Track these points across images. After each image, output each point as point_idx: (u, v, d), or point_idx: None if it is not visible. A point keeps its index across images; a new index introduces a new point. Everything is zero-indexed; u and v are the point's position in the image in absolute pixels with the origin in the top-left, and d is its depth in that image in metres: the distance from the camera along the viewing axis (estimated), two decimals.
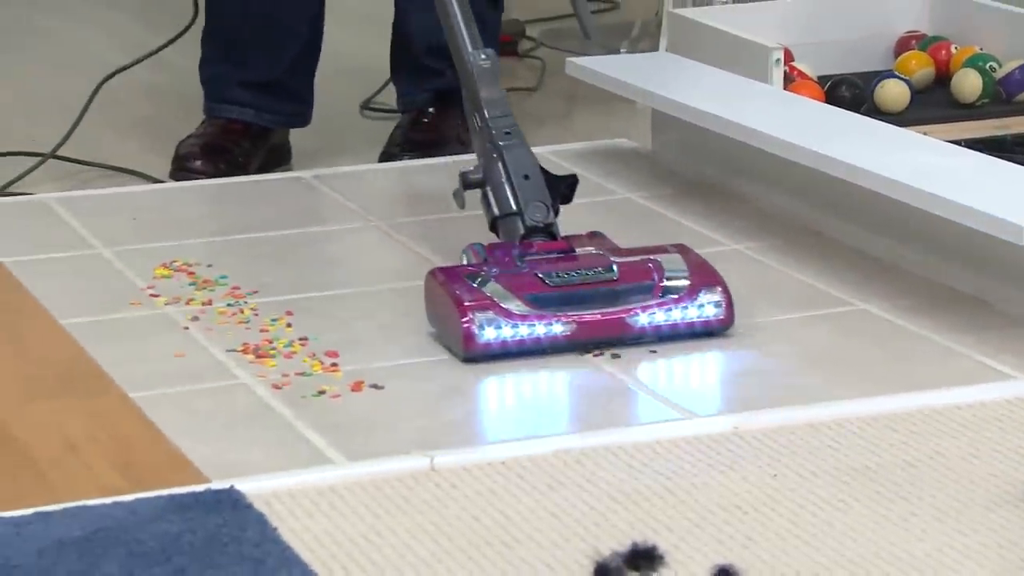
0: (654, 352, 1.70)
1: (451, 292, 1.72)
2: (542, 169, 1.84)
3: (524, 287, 1.72)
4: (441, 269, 1.78)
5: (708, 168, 2.25)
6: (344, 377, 1.67)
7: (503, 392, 1.66)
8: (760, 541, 1.34)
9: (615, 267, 1.74)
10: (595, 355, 1.68)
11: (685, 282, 1.73)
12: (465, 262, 1.81)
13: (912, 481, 1.44)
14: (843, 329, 1.77)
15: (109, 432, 1.59)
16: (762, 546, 1.34)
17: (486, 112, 1.86)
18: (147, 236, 2.08)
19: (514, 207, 1.81)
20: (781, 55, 2.23)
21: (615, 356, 1.67)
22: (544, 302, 1.71)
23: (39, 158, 2.40)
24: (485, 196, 1.84)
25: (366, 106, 2.72)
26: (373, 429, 1.58)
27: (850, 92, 2.30)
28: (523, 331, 1.69)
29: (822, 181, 1.98)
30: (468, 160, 2.36)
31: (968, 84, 2.34)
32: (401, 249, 2.04)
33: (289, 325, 1.80)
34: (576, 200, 2.13)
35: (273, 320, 1.82)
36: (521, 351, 1.69)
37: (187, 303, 1.87)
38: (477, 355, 1.69)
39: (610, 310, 1.71)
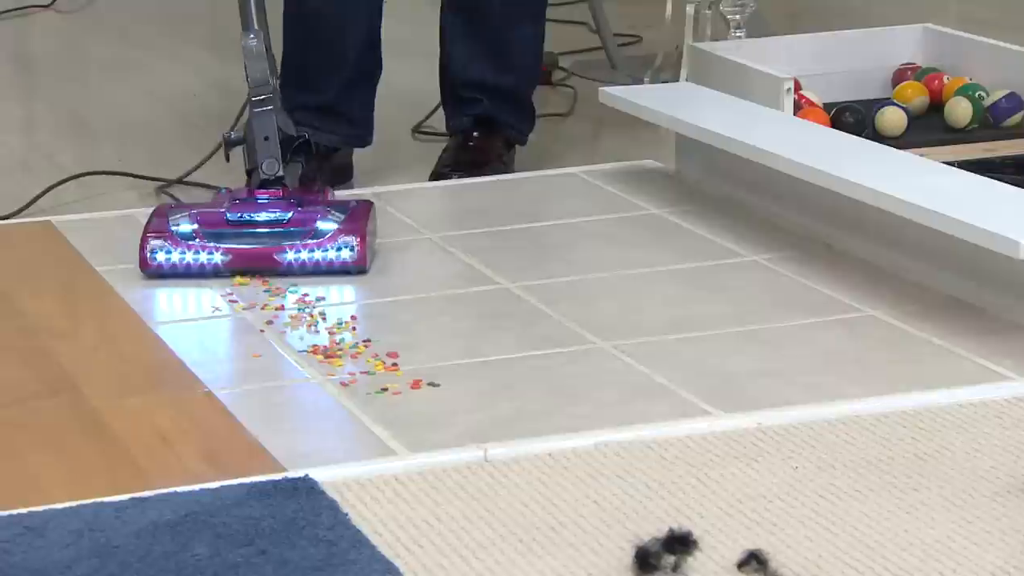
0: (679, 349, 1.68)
1: (148, 222, 1.97)
2: (281, 132, 2.02)
3: (206, 222, 1.95)
4: (163, 205, 2.03)
5: (727, 186, 2.21)
6: (404, 376, 1.65)
7: (548, 389, 1.63)
8: (785, 527, 1.32)
9: (290, 214, 1.95)
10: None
11: (333, 228, 1.93)
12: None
13: (922, 473, 1.41)
14: (853, 333, 1.73)
15: (195, 424, 1.57)
16: (787, 532, 1.31)
17: (249, 84, 2.04)
18: None
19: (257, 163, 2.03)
20: (791, 84, 2.20)
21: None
22: (212, 235, 1.93)
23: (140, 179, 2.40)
24: (243, 152, 2.06)
25: (417, 130, 2.69)
26: (431, 423, 1.55)
27: (853, 118, 2.26)
28: (189, 258, 1.92)
29: (831, 198, 1.94)
30: (507, 179, 2.38)
31: (960, 111, 2.30)
32: (452, 260, 2.00)
33: (354, 329, 1.78)
34: (609, 215, 2.11)
35: (339, 324, 1.80)
36: (188, 273, 1.92)
37: (262, 308, 1.84)
38: (151, 273, 1.93)
39: (262, 246, 1.93)
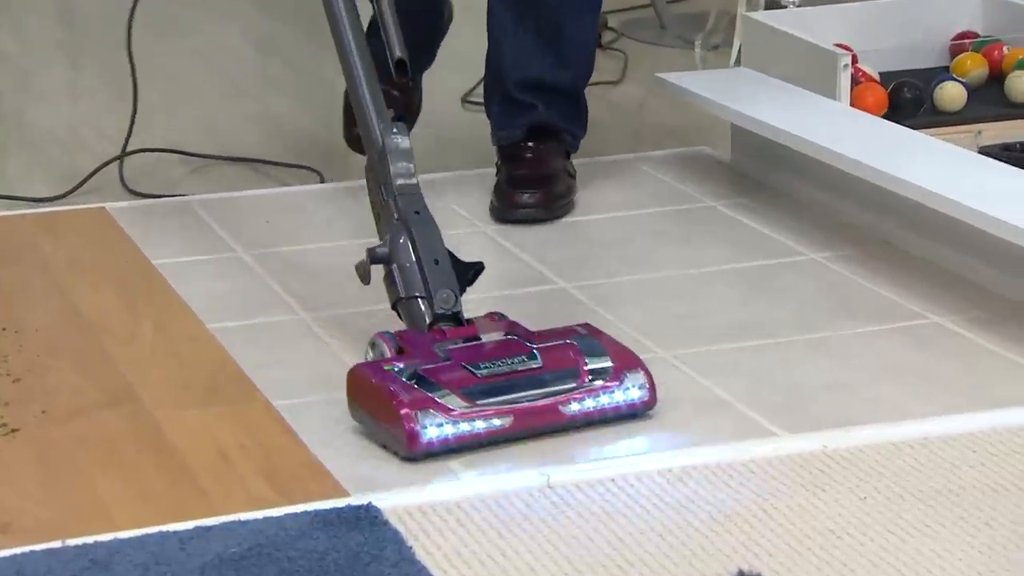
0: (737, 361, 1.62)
1: (386, 390, 1.51)
2: (450, 253, 1.64)
3: (455, 380, 1.52)
4: (367, 366, 1.56)
5: (783, 177, 2.13)
6: None
7: None
8: (855, 568, 1.27)
9: (537, 354, 1.55)
10: None
11: (608, 364, 1.54)
12: (372, 354, 1.59)
13: (993, 506, 1.36)
14: (917, 342, 1.68)
15: (256, 440, 1.54)
16: (858, 573, 1.26)
17: (397, 190, 1.65)
18: (282, 239, 2.01)
19: (423, 291, 1.61)
20: (849, 61, 2.13)
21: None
22: (475, 394, 1.51)
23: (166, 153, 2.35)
24: (391, 275, 1.63)
25: (466, 99, 2.63)
26: (492, 444, 1.49)
27: (911, 93, 2.20)
28: (464, 427, 1.49)
29: (891, 193, 1.87)
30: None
31: (1021, 85, 2.23)
32: (508, 256, 1.94)
33: None
34: (664, 207, 2.03)
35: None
36: (462, 447, 1.49)
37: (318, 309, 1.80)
38: (419, 455, 1.49)
39: (543, 400, 1.51)
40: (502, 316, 1.62)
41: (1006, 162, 1.99)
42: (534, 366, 1.54)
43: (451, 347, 1.56)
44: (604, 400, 1.52)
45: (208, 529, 1.36)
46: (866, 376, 1.61)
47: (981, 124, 2.21)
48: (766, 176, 2.17)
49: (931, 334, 1.70)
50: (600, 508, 1.38)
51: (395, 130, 1.69)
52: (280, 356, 1.70)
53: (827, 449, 1.46)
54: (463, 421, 1.49)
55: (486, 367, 1.53)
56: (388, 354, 1.57)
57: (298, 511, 1.38)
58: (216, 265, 1.95)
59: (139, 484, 1.46)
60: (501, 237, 2.01)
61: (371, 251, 1.63)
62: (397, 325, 1.63)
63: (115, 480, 1.46)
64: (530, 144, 2.10)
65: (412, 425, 1.48)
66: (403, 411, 1.48)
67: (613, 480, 1.42)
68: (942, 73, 2.27)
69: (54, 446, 1.53)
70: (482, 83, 2.32)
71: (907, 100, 2.20)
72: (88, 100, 2.69)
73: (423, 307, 1.60)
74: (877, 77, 2.26)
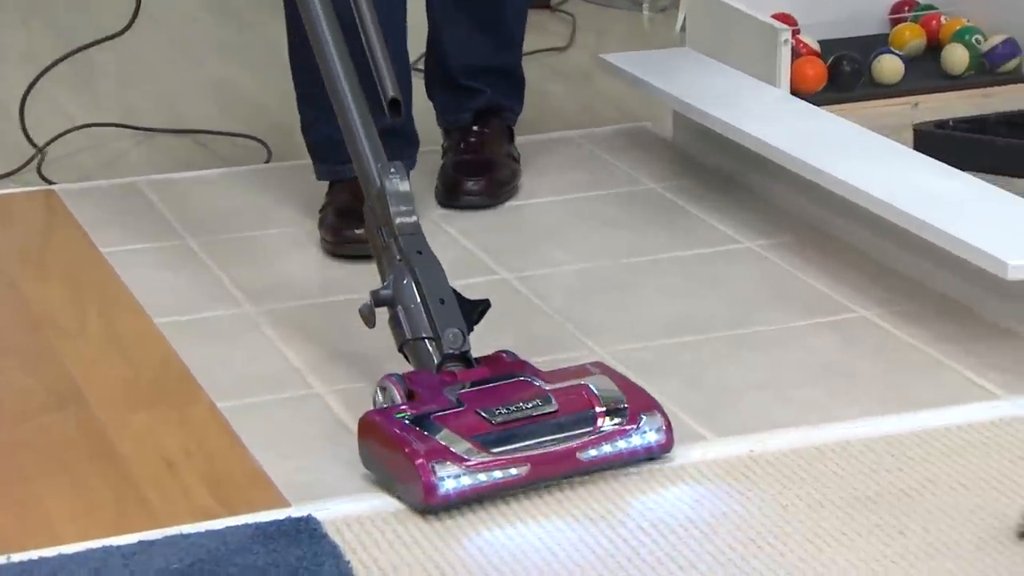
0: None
1: (400, 439, 1.45)
2: (455, 292, 1.58)
3: (470, 428, 1.46)
4: (378, 414, 1.50)
5: (726, 160, 2.14)
6: None
7: None
8: None
9: (552, 397, 1.49)
10: None
11: (623, 406, 1.49)
12: (381, 398, 1.53)
13: (907, 513, 1.40)
14: (844, 338, 1.71)
15: (200, 445, 1.56)
16: None
17: (397, 230, 1.59)
18: (228, 224, 2.01)
19: (430, 332, 1.55)
20: (789, 35, 2.14)
21: None
22: (491, 442, 1.45)
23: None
24: (395, 317, 1.58)
25: (412, 67, 2.61)
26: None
27: (850, 66, 2.22)
28: (482, 478, 1.43)
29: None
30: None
31: (956, 57, 2.25)
32: (452, 243, 1.94)
33: None
34: (606, 190, 2.03)
35: None
36: (479, 497, 1.43)
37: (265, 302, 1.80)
38: (436, 508, 1.43)
39: (560, 446, 1.45)
40: (512, 354, 1.57)
41: (940, 140, 2.01)
42: (549, 410, 1.48)
43: (462, 391, 1.51)
44: (621, 445, 1.47)
45: (151, 544, 1.39)
46: (793, 375, 1.63)
47: (918, 96, 2.24)
48: (707, 157, 2.18)
49: (858, 330, 1.72)
50: (533, 519, 1.41)
51: (393, 170, 1.63)
52: (225, 353, 1.72)
53: (753, 453, 1.49)
54: (480, 472, 1.43)
55: (500, 413, 1.47)
56: (399, 399, 1.52)
57: (239, 524, 1.41)
58: (163, 254, 1.95)
59: (84, 494, 1.48)
60: (445, 223, 2.02)
61: (374, 293, 1.59)
62: (340, 314, 1.63)
63: (60, 490, 1.48)
64: (474, 128, 2.07)
65: (429, 478, 1.42)
66: (418, 462, 1.43)
67: (547, 488, 1.45)
68: (880, 45, 2.28)
69: (0, 452, 1.55)
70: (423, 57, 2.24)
71: (846, 73, 2.22)
72: (39, 66, 2.66)
73: (431, 348, 1.55)
74: (818, 48, 2.27)
